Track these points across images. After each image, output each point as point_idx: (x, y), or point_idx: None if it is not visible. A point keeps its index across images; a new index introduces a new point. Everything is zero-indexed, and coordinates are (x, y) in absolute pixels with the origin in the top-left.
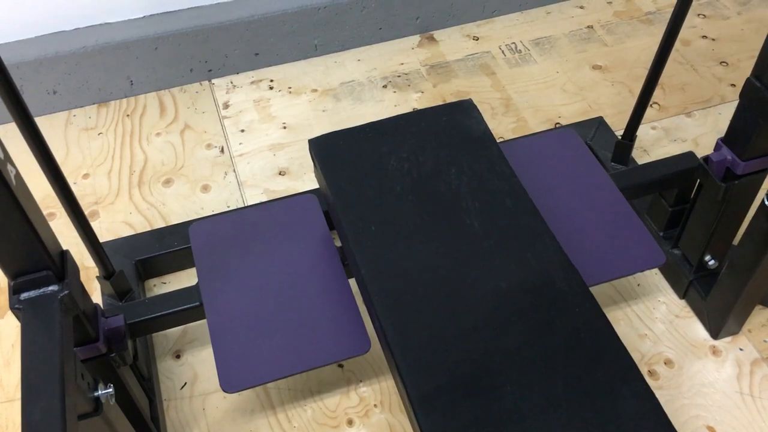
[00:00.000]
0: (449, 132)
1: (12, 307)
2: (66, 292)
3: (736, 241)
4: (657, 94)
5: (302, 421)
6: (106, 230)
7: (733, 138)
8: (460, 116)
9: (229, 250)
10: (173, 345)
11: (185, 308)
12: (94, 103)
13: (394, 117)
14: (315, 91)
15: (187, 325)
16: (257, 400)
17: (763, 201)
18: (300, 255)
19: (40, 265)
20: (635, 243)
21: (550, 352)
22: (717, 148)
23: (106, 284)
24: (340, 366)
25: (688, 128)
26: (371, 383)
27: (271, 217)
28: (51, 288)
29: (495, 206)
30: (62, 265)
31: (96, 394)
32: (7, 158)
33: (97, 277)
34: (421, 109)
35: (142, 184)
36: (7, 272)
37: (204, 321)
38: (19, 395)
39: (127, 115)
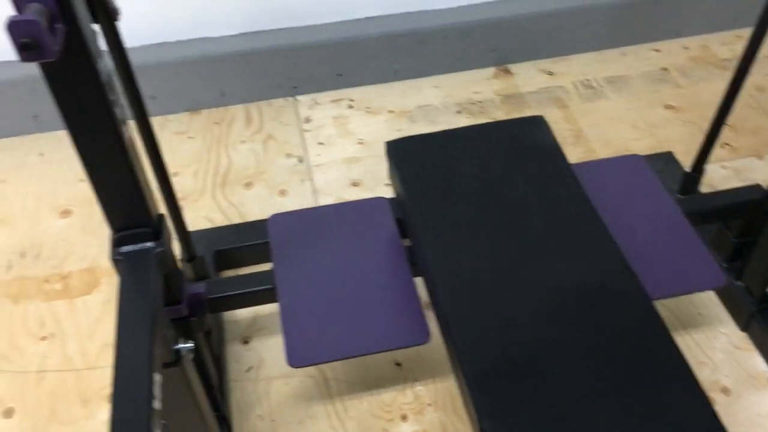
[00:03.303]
0: (520, 143)
1: (112, 258)
2: (161, 249)
3: None
4: (729, 136)
5: (358, 411)
6: (188, 223)
7: None
8: (531, 130)
9: (302, 241)
10: (243, 331)
11: (259, 289)
12: (187, 110)
13: (468, 126)
14: (392, 112)
15: (257, 313)
16: (316, 388)
17: None
18: (369, 251)
19: (141, 223)
20: (695, 263)
21: (603, 346)
22: None
23: (188, 267)
24: (398, 364)
25: (758, 170)
26: (427, 383)
27: (344, 216)
28: (148, 244)
29: (559, 212)
30: (159, 226)
31: (177, 347)
32: (123, 120)
33: (179, 259)
34: (494, 121)
35: (225, 186)
36: (112, 225)
37: (273, 310)
38: (100, 364)
39: (216, 123)
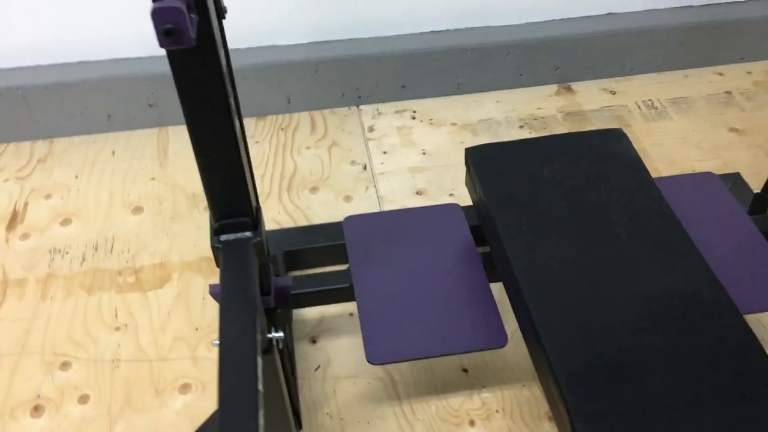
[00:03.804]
0: (601, 153)
1: (213, 246)
2: (259, 239)
3: None
4: None
5: (426, 415)
6: None
7: None
8: (611, 141)
9: (377, 243)
10: (310, 330)
11: (336, 288)
12: (253, 116)
13: (548, 136)
14: (454, 124)
15: (324, 314)
16: (384, 390)
17: None
18: (443, 255)
19: (242, 212)
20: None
21: (695, 354)
22: None
23: None
24: (465, 370)
25: None
26: (494, 390)
27: (417, 220)
28: (247, 234)
29: (643, 221)
30: (256, 217)
31: (270, 335)
32: (236, 112)
33: None
34: (574, 132)
35: (291, 189)
36: (215, 214)
37: (339, 312)
38: (171, 356)
39: (282, 129)
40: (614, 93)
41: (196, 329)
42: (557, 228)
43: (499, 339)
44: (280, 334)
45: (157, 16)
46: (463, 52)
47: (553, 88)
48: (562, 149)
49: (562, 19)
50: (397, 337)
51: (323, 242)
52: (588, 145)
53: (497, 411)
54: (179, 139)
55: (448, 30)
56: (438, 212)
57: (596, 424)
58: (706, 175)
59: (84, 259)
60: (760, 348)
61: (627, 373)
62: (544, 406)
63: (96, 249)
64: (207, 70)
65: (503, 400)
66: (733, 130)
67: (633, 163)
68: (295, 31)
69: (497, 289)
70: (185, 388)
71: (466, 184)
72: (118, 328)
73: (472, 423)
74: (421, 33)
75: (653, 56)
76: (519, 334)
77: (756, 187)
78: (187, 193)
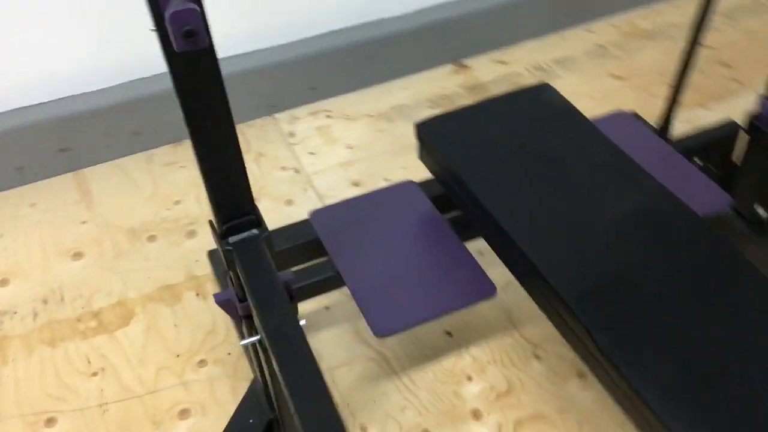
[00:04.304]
0: (539, 106)
1: (223, 249)
2: (266, 233)
3: None
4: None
5: (426, 381)
6: (207, 245)
7: None
8: (544, 95)
9: (349, 229)
10: None
11: (325, 278)
12: (170, 143)
13: (487, 99)
14: (370, 116)
15: (300, 312)
16: (380, 369)
17: None
18: (414, 228)
19: (247, 211)
20: (702, 190)
21: (674, 256)
22: (762, 104)
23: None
24: (448, 333)
25: (707, 118)
26: (480, 345)
27: (379, 202)
28: (254, 231)
29: (594, 157)
30: (259, 214)
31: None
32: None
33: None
34: (510, 92)
35: None
36: (220, 217)
37: (314, 308)
38: (159, 386)
39: None
40: (505, 63)
41: (177, 356)
42: (523, 177)
43: (488, 289)
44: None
45: (176, 19)
46: (363, 46)
47: (450, 67)
48: (503, 109)
49: (447, 3)
50: (396, 309)
51: (281, 246)
52: (525, 101)
53: (489, 363)
54: (99, 178)
55: (345, 28)
56: (396, 191)
57: (612, 332)
58: (621, 114)
59: (36, 315)
60: (728, 242)
61: (624, 285)
62: (529, 349)
63: (45, 302)
64: (208, 73)
65: (491, 352)
66: (615, 77)
67: (568, 110)
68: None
69: (470, 248)
70: (184, 413)
71: (421, 158)
72: (95, 374)
73: (469, 378)
74: (321, 35)
75: (531, 24)
76: None
77: (650, 121)
78: (125, 229)
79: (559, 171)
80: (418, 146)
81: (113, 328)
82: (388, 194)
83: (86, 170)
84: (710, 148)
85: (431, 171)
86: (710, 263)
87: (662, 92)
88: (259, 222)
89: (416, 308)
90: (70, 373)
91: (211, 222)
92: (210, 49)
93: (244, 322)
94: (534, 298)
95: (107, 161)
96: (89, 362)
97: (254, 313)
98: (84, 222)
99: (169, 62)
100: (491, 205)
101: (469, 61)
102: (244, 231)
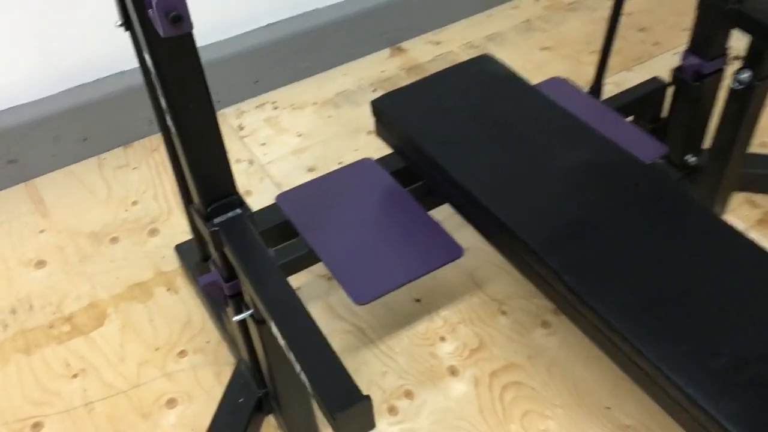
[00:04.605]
0: (485, 75)
1: (209, 231)
2: (250, 212)
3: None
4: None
5: (402, 346)
6: (171, 241)
7: (695, 46)
8: (488, 65)
9: (315, 207)
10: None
11: (300, 255)
12: (120, 146)
13: (435, 73)
14: (316, 104)
15: None
16: (357, 340)
17: (730, 87)
18: (378, 201)
19: (229, 192)
20: (638, 140)
21: (626, 199)
22: (684, 57)
23: (205, 266)
24: (417, 300)
25: (632, 80)
26: (448, 307)
27: (341, 180)
28: (237, 211)
29: (543, 117)
30: (239, 194)
31: None
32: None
33: (196, 263)
34: (455, 65)
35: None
36: (204, 199)
37: None
38: (143, 380)
39: (154, 150)
40: (439, 43)
41: (157, 349)
42: (480, 140)
43: (456, 251)
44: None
45: (162, 4)
46: (302, 37)
47: (387, 51)
48: (452, 80)
49: None
50: (372, 277)
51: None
52: (471, 71)
53: (459, 322)
54: (52, 187)
55: (283, 20)
56: (355, 169)
57: (578, 271)
58: (556, 79)
59: (6, 326)
60: (672, 181)
61: (584, 228)
62: (494, 306)
63: (14, 312)
64: (190, 58)
65: (460, 313)
66: (543, 49)
67: (512, 77)
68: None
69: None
70: (171, 403)
71: (378, 134)
72: (75, 375)
73: (442, 339)
74: (259, 28)
75: (461, 5)
76: None
77: (587, 84)
78: (85, 234)
79: (512, 132)
80: (375, 122)
81: (88, 329)
82: (348, 172)
83: (37, 180)
84: (640, 104)
85: (390, 145)
86: (658, 202)
87: (589, 59)
88: (241, 202)
89: (391, 274)
90: (51, 378)
91: (192, 207)
92: (191, 34)
93: (231, 301)
94: (502, 252)
95: (57, 169)
96: (68, 365)
97: (249, 286)
98: (42, 231)
99: (152, 50)
100: (453, 169)
101: (405, 44)
102: (228, 211)
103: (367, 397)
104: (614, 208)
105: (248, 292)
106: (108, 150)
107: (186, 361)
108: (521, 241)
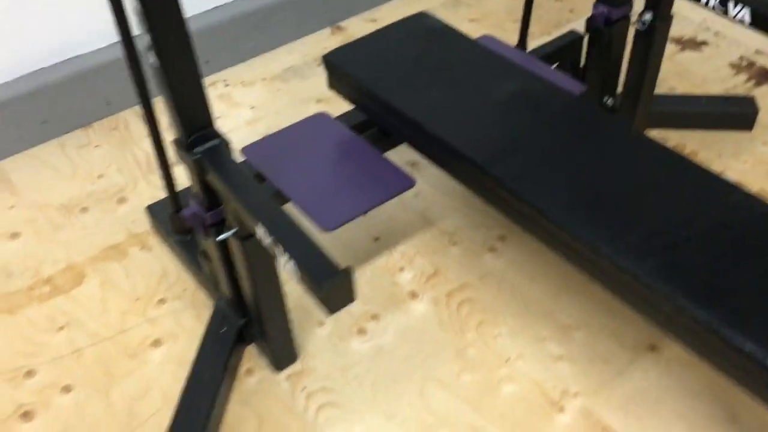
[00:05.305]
0: (427, 29)
1: (191, 160)
2: (227, 142)
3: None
4: None
5: (365, 278)
6: (139, 208)
7: None
8: (427, 21)
9: (278, 155)
10: None
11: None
12: (79, 127)
13: (381, 28)
14: (265, 79)
15: None
16: None
17: (636, 29)
18: (336, 146)
19: (207, 123)
20: (560, 80)
21: (553, 120)
22: (595, 7)
23: (176, 217)
24: (376, 239)
25: None
26: (404, 243)
27: (300, 131)
28: (215, 141)
29: (480, 63)
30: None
31: None
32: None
33: (170, 215)
34: (397, 21)
35: (153, 171)
36: (186, 130)
37: None
38: (127, 326)
39: (114, 129)
40: (375, 20)
41: (137, 300)
42: (428, 84)
43: (409, 182)
44: None
45: None
46: (247, 17)
47: (328, 30)
48: (396, 35)
49: None
50: (337, 207)
51: None
52: (412, 26)
53: (415, 255)
54: (17, 168)
55: (230, 2)
56: (313, 121)
57: (519, 179)
58: (487, 36)
59: None
60: (595, 106)
61: (523, 146)
62: (446, 238)
63: None
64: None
65: (415, 247)
66: (471, 21)
67: (449, 29)
68: (93, 36)
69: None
70: (156, 343)
71: (331, 86)
72: (61, 328)
73: (401, 269)
74: (207, 11)
75: None
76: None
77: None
78: (55, 207)
79: (454, 74)
80: (327, 76)
81: (68, 288)
82: (306, 124)
83: (1, 163)
84: (561, 53)
85: (344, 95)
86: (582, 122)
87: (512, 27)
88: (218, 133)
89: (354, 203)
90: (37, 332)
91: (175, 140)
92: None
93: (212, 230)
94: (452, 173)
95: (20, 152)
96: (53, 320)
97: (233, 202)
98: (12, 207)
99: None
100: (405, 108)
101: (344, 23)
102: (207, 141)
103: (348, 270)
104: (546, 129)
105: (232, 210)
106: (69, 131)
107: (166, 307)
108: (468, 158)
